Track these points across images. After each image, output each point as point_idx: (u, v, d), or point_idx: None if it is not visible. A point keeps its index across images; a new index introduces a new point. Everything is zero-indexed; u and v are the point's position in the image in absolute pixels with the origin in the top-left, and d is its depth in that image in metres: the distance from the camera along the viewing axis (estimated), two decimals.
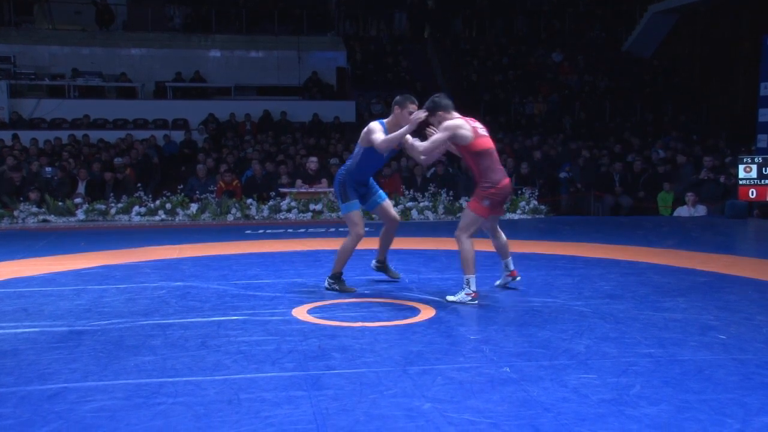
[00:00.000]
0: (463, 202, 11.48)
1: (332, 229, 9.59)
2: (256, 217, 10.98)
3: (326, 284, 5.34)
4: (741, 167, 10.69)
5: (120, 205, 11.14)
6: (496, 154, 4.87)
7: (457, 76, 18.85)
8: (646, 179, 12.47)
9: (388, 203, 5.42)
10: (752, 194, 10.58)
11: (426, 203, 11.32)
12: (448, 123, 4.77)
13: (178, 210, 11.09)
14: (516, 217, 11.25)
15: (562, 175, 12.96)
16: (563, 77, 19.01)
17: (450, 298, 4.80)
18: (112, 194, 11.45)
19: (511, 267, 5.24)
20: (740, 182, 10.69)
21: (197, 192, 11.52)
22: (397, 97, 5.09)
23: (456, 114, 4.90)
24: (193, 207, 11.14)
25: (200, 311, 4.73)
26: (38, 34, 18.28)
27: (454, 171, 12.96)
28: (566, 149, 14.54)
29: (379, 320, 4.45)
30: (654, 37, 20.07)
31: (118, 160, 12.87)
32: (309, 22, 19.70)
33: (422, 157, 5.02)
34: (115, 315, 4.62)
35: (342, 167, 5.36)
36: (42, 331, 4.22)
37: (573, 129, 16.45)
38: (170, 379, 3.30)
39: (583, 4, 22.24)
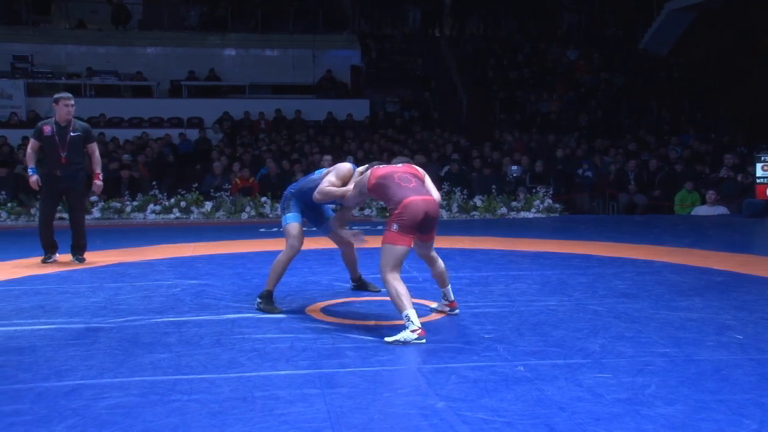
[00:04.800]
0: (477, 201, 11.46)
1: (347, 227, 9.56)
2: (271, 215, 11.01)
3: (255, 304, 4.80)
4: (758, 165, 10.58)
5: (135, 203, 11.22)
6: (398, 176, 4.24)
7: (472, 74, 18.79)
8: (662, 178, 12.37)
9: None
10: None
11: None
12: (356, 180, 4.48)
13: (193, 208, 11.15)
14: (530, 215, 11.21)
15: (580, 171, 12.89)
16: (579, 75, 18.91)
17: (389, 339, 3.91)
18: (127, 192, 11.53)
19: (451, 297, 4.58)
20: (758, 181, 10.58)
21: (212, 189, 11.57)
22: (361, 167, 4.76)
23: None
24: (208, 205, 11.19)
25: (215, 309, 4.75)
26: (55, 33, 18.42)
27: (468, 169, 12.93)
28: (582, 148, 14.47)
29: (393, 319, 4.45)
30: (671, 35, 19.90)
31: (126, 157, 12.97)
32: (324, 21, 19.71)
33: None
34: (130, 312, 4.65)
35: (292, 186, 5.04)
36: (58, 328, 4.26)
37: (589, 127, 16.35)
38: (185, 377, 3.32)
39: (599, 0, 22.09)
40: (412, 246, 4.18)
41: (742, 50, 17.72)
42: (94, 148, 6.83)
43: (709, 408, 2.89)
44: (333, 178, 4.58)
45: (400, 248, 4.07)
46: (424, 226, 4.18)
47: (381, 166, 4.42)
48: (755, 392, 3.08)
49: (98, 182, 6.88)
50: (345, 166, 4.67)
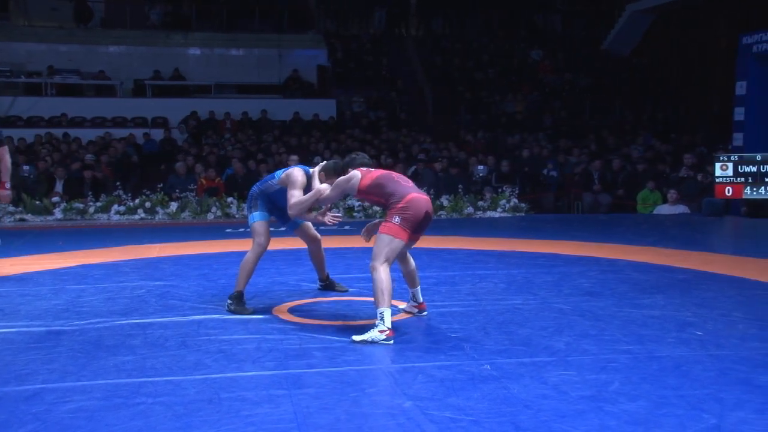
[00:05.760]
0: (443, 200, 11.51)
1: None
2: (237, 216, 10.93)
3: (226, 305, 4.75)
4: (717, 165, 10.81)
5: (99, 203, 11.04)
6: (395, 175, 4.34)
7: (438, 74, 18.87)
8: (625, 177, 12.57)
9: (307, 223, 5.14)
10: (728, 192, 10.70)
11: None
12: (337, 181, 4.42)
13: (158, 209, 11.00)
14: (497, 215, 11.29)
15: (546, 171, 13.02)
16: (543, 75, 19.11)
17: (357, 338, 3.90)
18: (90, 193, 11.34)
19: (420, 299, 4.58)
20: (717, 180, 10.81)
21: (177, 190, 11.44)
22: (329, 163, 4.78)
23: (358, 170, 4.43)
24: (173, 206, 11.06)
25: (180, 310, 4.70)
26: (14, 30, 18.03)
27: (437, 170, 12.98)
28: (548, 148, 14.62)
29: (360, 318, 4.46)
30: (633, 36, 20.26)
31: (89, 157, 12.75)
32: (289, 20, 19.61)
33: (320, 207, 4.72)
34: (93, 315, 4.58)
35: (257, 185, 5.01)
36: (19, 332, 4.17)
37: (554, 127, 16.54)
38: (150, 379, 3.28)
39: (561, 1, 22.35)
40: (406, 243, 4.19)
41: (703, 51, 18.10)
42: (3, 153, 6.37)
43: (670, 404, 2.95)
44: (295, 191, 4.57)
45: (398, 241, 4.08)
46: (422, 225, 4.21)
47: (369, 169, 4.39)
48: (714, 387, 3.15)
49: (3, 192, 6.40)
50: (297, 174, 4.64)
